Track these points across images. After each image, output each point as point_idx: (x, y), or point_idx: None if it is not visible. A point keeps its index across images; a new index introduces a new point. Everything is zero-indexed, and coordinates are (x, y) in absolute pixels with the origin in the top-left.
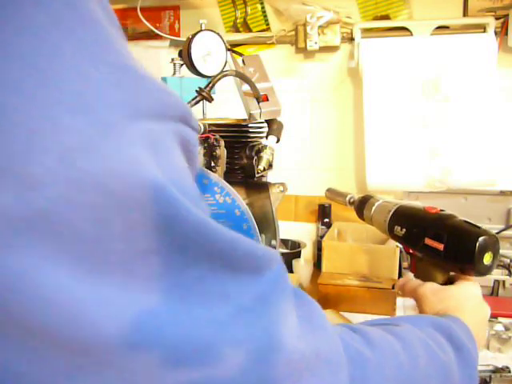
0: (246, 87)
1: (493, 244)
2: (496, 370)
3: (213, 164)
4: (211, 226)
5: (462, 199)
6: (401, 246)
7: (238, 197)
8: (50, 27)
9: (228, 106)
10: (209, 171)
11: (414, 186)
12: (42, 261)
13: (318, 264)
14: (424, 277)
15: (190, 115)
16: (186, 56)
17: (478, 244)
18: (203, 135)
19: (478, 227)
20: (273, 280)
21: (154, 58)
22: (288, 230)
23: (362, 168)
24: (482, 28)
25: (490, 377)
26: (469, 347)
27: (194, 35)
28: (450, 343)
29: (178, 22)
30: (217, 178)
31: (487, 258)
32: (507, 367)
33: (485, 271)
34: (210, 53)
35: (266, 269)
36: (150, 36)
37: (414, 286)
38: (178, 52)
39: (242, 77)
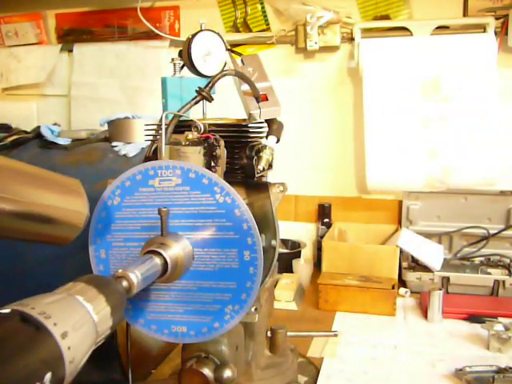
0: (245, 87)
1: None
2: (499, 371)
3: (213, 164)
4: None
5: (462, 199)
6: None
7: (238, 197)
8: None
9: (228, 105)
10: (209, 171)
11: (414, 185)
12: None
13: (318, 264)
14: None
15: None
16: (185, 56)
17: None
18: (203, 135)
19: None
20: None
21: (154, 58)
22: (288, 229)
23: (361, 168)
24: (482, 28)
25: (493, 377)
26: None
27: (193, 35)
28: None
29: (178, 22)
30: (217, 177)
31: None
32: (510, 367)
33: None
34: (209, 53)
35: None
36: (150, 36)
37: None
38: (178, 52)
39: (242, 76)
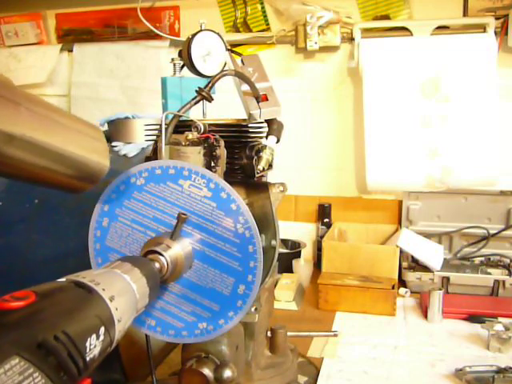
0: (245, 87)
1: None
2: (499, 371)
3: (213, 164)
4: None
5: (462, 199)
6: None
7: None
8: None
9: (228, 106)
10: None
11: (414, 185)
12: None
13: (318, 264)
14: None
15: None
16: (185, 56)
17: None
18: (203, 135)
19: None
20: None
21: (154, 58)
22: (288, 229)
23: (362, 168)
24: (482, 28)
25: (493, 377)
26: None
27: (193, 35)
28: None
29: (178, 22)
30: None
31: None
32: (510, 367)
33: None
34: (209, 53)
35: None
36: (150, 36)
37: None
38: (177, 52)
39: (242, 76)
